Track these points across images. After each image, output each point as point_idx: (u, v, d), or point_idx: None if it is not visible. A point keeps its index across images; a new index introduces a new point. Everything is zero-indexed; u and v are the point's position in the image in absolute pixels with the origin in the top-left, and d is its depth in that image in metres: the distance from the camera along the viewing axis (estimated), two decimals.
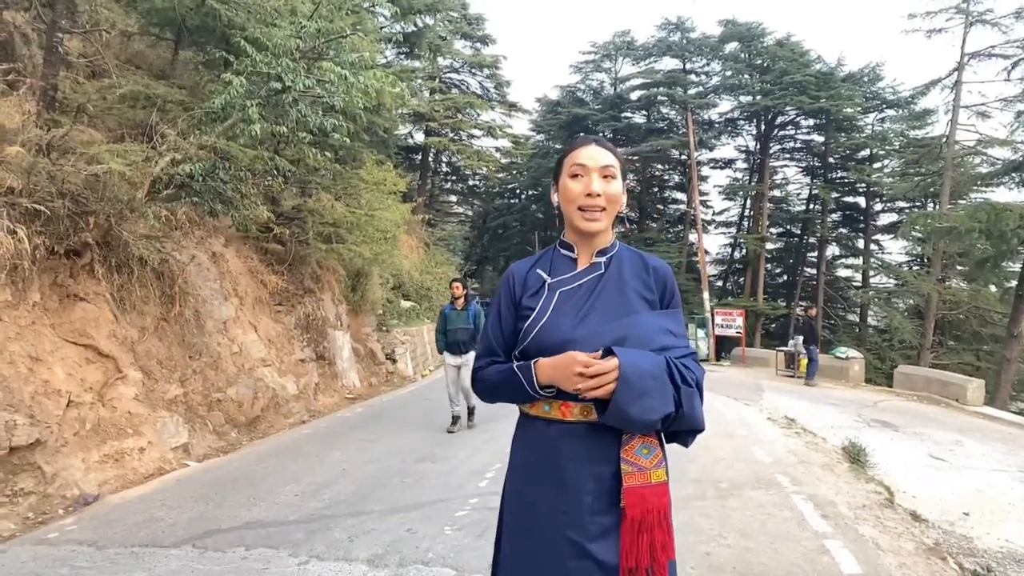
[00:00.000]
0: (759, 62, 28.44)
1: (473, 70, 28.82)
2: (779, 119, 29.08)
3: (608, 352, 1.30)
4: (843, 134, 27.42)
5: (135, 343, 5.53)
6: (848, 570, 3.34)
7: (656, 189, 33.95)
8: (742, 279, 30.94)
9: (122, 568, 3.20)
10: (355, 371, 10.08)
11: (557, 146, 34.33)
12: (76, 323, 5.01)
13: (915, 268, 25.83)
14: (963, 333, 21.55)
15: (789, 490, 4.85)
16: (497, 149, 30.31)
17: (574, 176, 1.45)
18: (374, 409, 8.48)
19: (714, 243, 35.57)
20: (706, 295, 21.64)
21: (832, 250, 30.16)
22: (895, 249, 27.92)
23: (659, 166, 32.92)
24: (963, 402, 10.22)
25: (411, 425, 7.18)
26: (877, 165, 27.37)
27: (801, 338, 13.45)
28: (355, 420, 7.62)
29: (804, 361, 13.38)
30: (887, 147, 26.49)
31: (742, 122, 30.79)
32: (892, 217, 27.90)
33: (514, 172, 37.25)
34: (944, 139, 20.53)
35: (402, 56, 22.86)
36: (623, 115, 32.78)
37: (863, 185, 27.37)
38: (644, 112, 32.90)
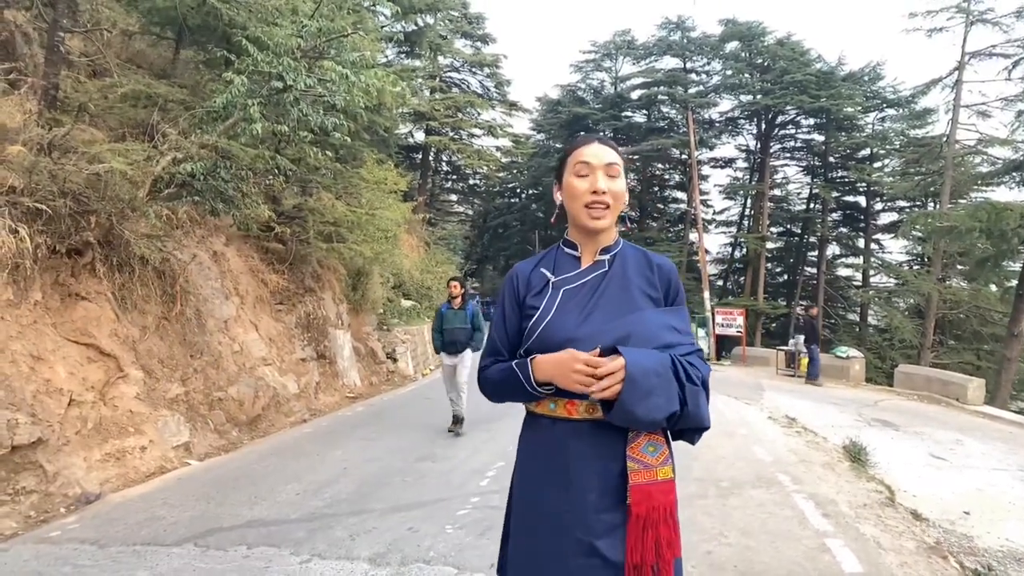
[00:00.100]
0: (759, 61, 28.44)
1: (473, 69, 28.83)
2: (779, 118, 29.08)
3: (612, 351, 1.29)
4: (843, 133, 27.42)
5: (136, 342, 5.53)
6: (849, 569, 3.34)
7: (656, 188, 33.96)
8: (742, 278, 30.94)
9: (124, 566, 3.20)
10: (356, 370, 10.08)
11: (557, 145, 34.34)
12: (78, 322, 5.02)
13: (915, 267, 25.83)
14: (963, 332, 21.55)
15: (790, 489, 4.85)
16: (497, 148, 30.32)
17: (579, 174, 1.45)
18: (375, 408, 8.48)
19: (714, 242, 35.63)
20: (706, 294, 21.62)
21: (832, 249, 30.18)
22: (895, 248, 27.96)
23: (659, 165, 32.93)
24: (963, 401, 10.23)
25: (412, 424, 7.18)
26: (877, 164, 27.37)
27: (802, 337, 13.45)
28: (356, 419, 7.62)
29: (804, 360, 13.38)
30: (887, 146, 26.48)
31: (742, 121, 30.79)
32: (892, 216, 27.93)
33: (514, 171, 37.25)
34: (944, 138, 20.51)
35: (403, 55, 22.87)
36: (623, 114, 32.78)
37: (863, 184, 27.37)
38: (644, 111, 32.90)
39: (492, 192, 39.19)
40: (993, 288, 18.17)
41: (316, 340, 9.04)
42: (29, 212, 4.58)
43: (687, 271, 27.24)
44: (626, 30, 35.50)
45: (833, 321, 27.50)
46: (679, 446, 1.46)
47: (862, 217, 28.85)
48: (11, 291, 4.50)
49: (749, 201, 31.13)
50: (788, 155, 30.99)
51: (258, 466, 5.27)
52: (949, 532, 4.15)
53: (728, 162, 32.73)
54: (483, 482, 4.83)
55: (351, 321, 10.78)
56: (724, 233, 33.82)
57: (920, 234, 19.16)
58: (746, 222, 31.53)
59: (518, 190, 40.99)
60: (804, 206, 30.44)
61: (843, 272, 30.52)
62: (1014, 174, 16.79)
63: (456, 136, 27.00)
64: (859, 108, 26.23)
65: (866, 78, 26.80)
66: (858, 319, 27.82)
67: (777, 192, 30.77)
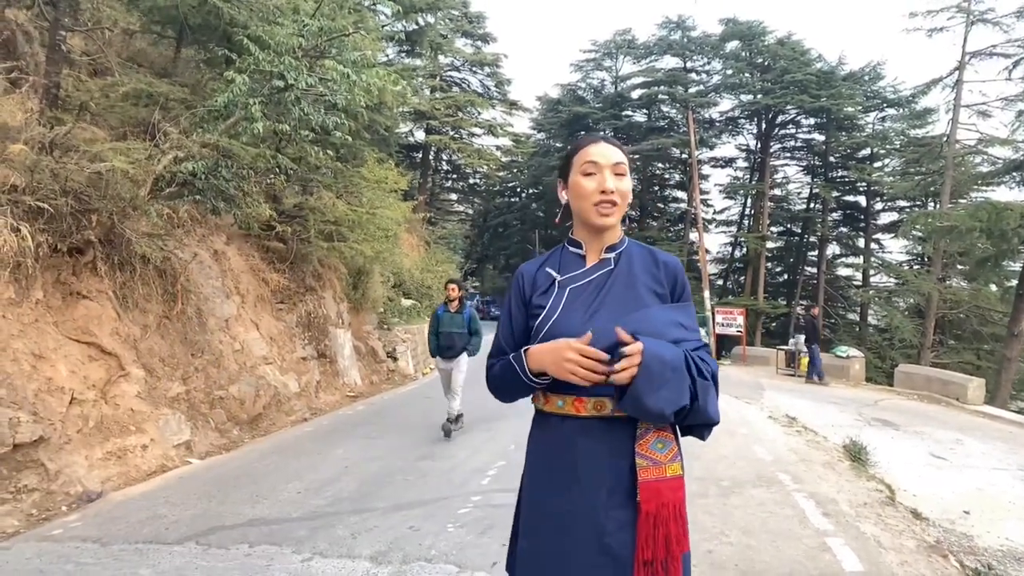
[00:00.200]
0: (760, 61, 28.46)
1: (474, 68, 28.85)
2: (780, 118, 29.11)
3: (615, 347, 1.29)
4: (844, 133, 27.45)
5: (137, 341, 5.54)
6: (850, 567, 3.35)
7: (657, 188, 33.99)
8: (743, 278, 30.97)
9: (127, 564, 3.21)
10: (356, 369, 10.09)
11: (558, 144, 34.37)
12: (79, 321, 5.02)
13: (916, 267, 25.85)
14: (963, 332, 21.57)
15: (790, 488, 4.86)
16: (498, 147, 30.36)
17: (586, 174, 1.46)
18: (375, 407, 8.49)
19: (715, 242, 35.67)
20: (707, 294, 21.61)
21: (832, 249, 30.23)
22: (896, 248, 28.01)
23: (660, 165, 32.96)
24: (963, 401, 10.23)
25: (413, 423, 7.18)
26: (878, 164, 27.40)
27: (803, 337, 13.46)
28: (357, 418, 7.63)
29: (805, 360, 13.39)
30: (888, 146, 26.51)
31: (743, 121, 30.82)
32: (893, 216, 27.98)
33: (515, 170, 37.28)
34: (945, 138, 20.53)
35: (403, 54, 22.88)
36: (624, 113, 32.81)
37: (864, 184, 27.40)
38: (645, 111, 32.93)
39: (492, 191, 39.22)
40: (993, 288, 18.19)
41: (317, 339, 9.04)
42: (31, 211, 4.58)
43: (687, 270, 27.08)
44: (626, 29, 35.55)
45: (833, 321, 27.53)
46: (691, 440, 1.46)
47: (862, 217, 28.88)
48: (13, 289, 4.50)
49: (749, 201, 31.16)
50: (788, 155, 31.03)
51: (259, 465, 5.27)
52: (949, 531, 4.15)
53: (728, 162, 32.78)
54: (484, 481, 4.83)
55: (352, 320, 10.78)
56: (724, 233, 33.89)
57: (920, 234, 19.17)
58: (746, 222, 31.56)
59: (518, 189, 41.02)
60: (804, 206, 30.48)
61: (843, 272, 30.58)
62: (1014, 174, 16.81)
63: (456, 135, 27.02)
64: (859, 108, 26.27)
65: (866, 78, 26.83)
66: (858, 319, 27.85)
67: (777, 192, 30.80)
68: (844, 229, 30.23)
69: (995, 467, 6.07)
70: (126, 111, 6.43)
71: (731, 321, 19.05)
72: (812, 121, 28.58)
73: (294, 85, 5.69)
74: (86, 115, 6.03)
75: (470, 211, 41.68)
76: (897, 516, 4.28)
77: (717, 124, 31.22)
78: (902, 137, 25.87)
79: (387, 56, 20.25)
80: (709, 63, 31.16)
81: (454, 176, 34.79)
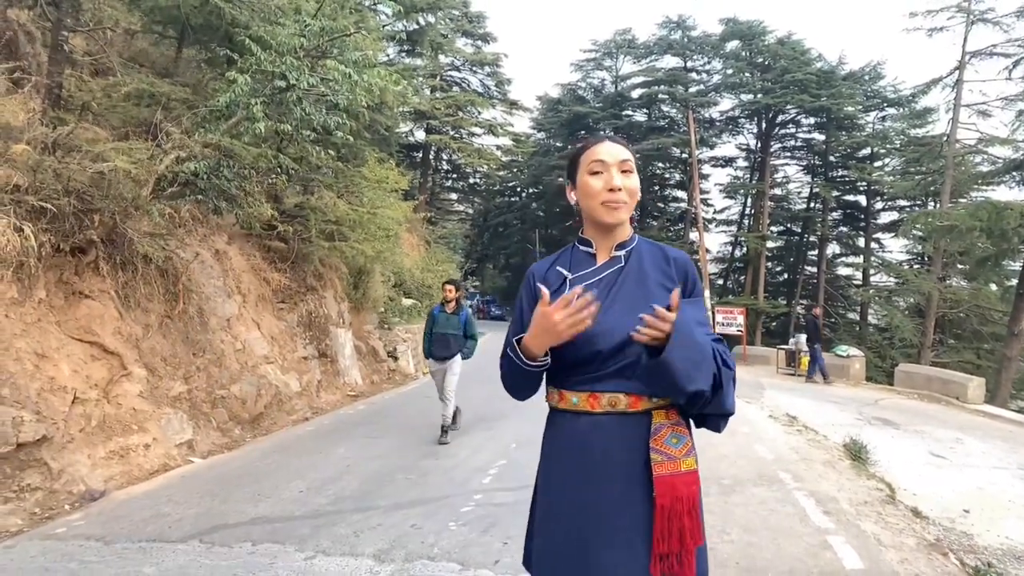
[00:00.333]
0: (760, 60, 28.48)
1: (474, 68, 28.87)
2: (780, 117, 29.12)
3: (623, 345, 1.32)
4: (844, 132, 27.46)
5: (139, 340, 5.55)
6: (850, 565, 3.36)
7: (657, 187, 34.00)
8: (743, 277, 30.98)
9: (130, 562, 3.22)
10: (357, 368, 10.10)
11: (558, 144, 34.39)
12: (81, 320, 5.04)
13: (916, 267, 25.87)
14: (964, 331, 21.58)
15: (791, 487, 4.88)
16: (498, 147, 30.39)
17: (593, 172, 1.47)
18: (376, 406, 8.50)
19: (715, 241, 35.64)
20: (707, 293, 21.62)
21: (833, 248, 30.25)
22: (896, 248, 28.04)
23: (660, 164, 32.97)
24: (964, 400, 10.25)
25: (413, 422, 7.20)
26: (878, 164, 27.41)
27: (804, 336, 13.47)
28: (358, 417, 7.64)
29: (805, 359, 13.40)
30: (888, 146, 26.52)
31: (743, 120, 30.84)
32: (893, 216, 27.99)
33: (515, 170, 37.28)
34: (945, 138, 20.53)
35: (404, 54, 22.90)
36: (624, 113, 32.82)
37: (864, 184, 27.41)
38: (645, 110, 32.94)
39: (492, 191, 39.22)
40: (993, 287, 18.22)
41: (318, 338, 9.06)
42: (33, 210, 4.60)
43: None
44: (627, 29, 35.61)
45: (833, 320, 27.54)
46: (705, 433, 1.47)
47: (862, 216, 28.90)
48: (15, 289, 4.52)
49: (749, 200, 31.17)
50: (788, 154, 31.04)
51: (261, 464, 5.29)
52: (949, 530, 4.16)
53: (728, 161, 32.79)
54: (486, 479, 4.85)
55: (352, 320, 10.80)
56: (724, 232, 33.91)
57: (920, 233, 19.18)
58: (746, 221, 31.57)
59: (518, 189, 41.02)
60: (804, 205, 30.49)
61: (843, 271, 30.61)
62: (1014, 173, 16.82)
63: (456, 135, 27.04)
64: (859, 107, 26.28)
65: (866, 77, 26.84)
66: (858, 318, 27.87)
67: (777, 191, 30.82)
68: (844, 229, 30.25)
69: (995, 466, 6.08)
70: (128, 111, 6.44)
71: (731, 320, 19.05)
72: (812, 121, 28.59)
73: (296, 85, 5.70)
74: (88, 115, 6.04)
75: (470, 211, 41.69)
76: (897, 514, 4.30)
77: (717, 124, 31.24)
78: (902, 137, 25.88)
79: (388, 56, 20.28)
80: (709, 63, 31.19)
81: (454, 176, 34.81)
